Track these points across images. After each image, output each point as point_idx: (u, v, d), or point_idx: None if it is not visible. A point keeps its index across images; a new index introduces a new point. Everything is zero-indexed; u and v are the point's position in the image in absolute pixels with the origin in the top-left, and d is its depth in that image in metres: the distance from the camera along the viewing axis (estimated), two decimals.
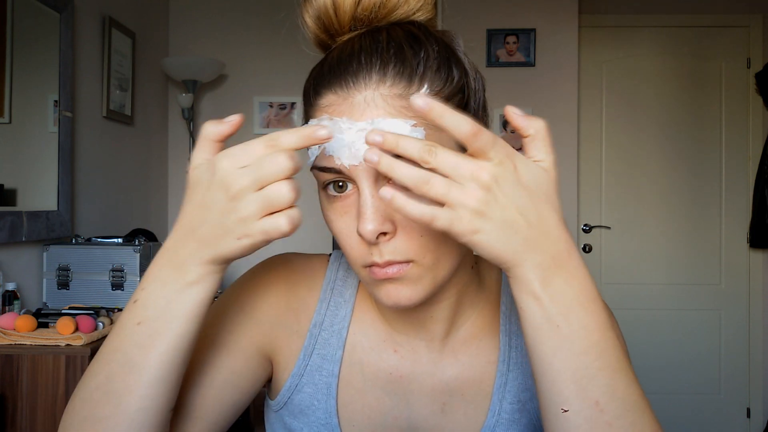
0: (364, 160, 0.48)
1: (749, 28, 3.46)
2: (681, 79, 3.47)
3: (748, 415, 3.44)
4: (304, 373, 0.69)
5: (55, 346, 1.61)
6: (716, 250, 3.47)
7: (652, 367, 3.44)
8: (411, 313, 0.67)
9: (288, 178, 0.49)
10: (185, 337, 0.54)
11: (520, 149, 0.54)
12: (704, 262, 3.47)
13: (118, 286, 2.09)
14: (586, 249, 3.47)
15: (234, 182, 0.49)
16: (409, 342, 0.69)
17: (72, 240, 2.19)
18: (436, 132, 0.54)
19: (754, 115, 3.45)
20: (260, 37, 3.23)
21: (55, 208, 2.16)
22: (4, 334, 1.64)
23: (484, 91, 0.64)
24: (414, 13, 0.60)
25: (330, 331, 0.70)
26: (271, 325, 0.70)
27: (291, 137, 0.50)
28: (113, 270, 2.10)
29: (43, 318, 1.74)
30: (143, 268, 2.15)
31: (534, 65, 3.23)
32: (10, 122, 1.98)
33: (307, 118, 0.61)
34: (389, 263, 0.56)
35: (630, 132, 3.47)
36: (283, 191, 0.48)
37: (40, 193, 2.12)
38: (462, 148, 0.55)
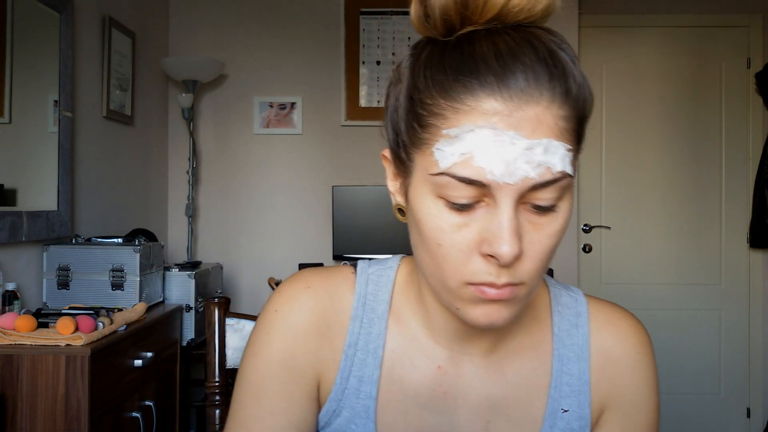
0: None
1: (749, 28, 3.46)
2: (681, 79, 3.47)
3: (748, 415, 3.44)
4: (342, 397, 0.66)
5: (55, 346, 1.61)
6: (716, 250, 3.47)
7: None
8: (464, 328, 0.65)
9: None
10: None
11: None
12: (704, 262, 3.47)
13: (118, 286, 2.09)
14: (586, 249, 3.47)
15: None
16: (453, 357, 0.66)
17: (72, 240, 2.19)
18: (575, 157, 0.55)
19: (754, 115, 3.45)
20: (260, 37, 3.23)
21: (55, 208, 2.16)
22: (4, 334, 1.64)
23: None
24: (545, 18, 0.58)
25: (365, 350, 0.67)
26: (312, 365, 0.67)
27: None
28: (113, 270, 2.10)
29: (43, 318, 1.74)
30: (143, 268, 2.15)
31: None
32: (10, 122, 1.98)
33: (435, 111, 0.53)
34: (507, 285, 0.54)
35: (630, 132, 3.47)
36: None
37: (40, 193, 2.12)
38: (575, 167, 0.56)
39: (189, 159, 3.13)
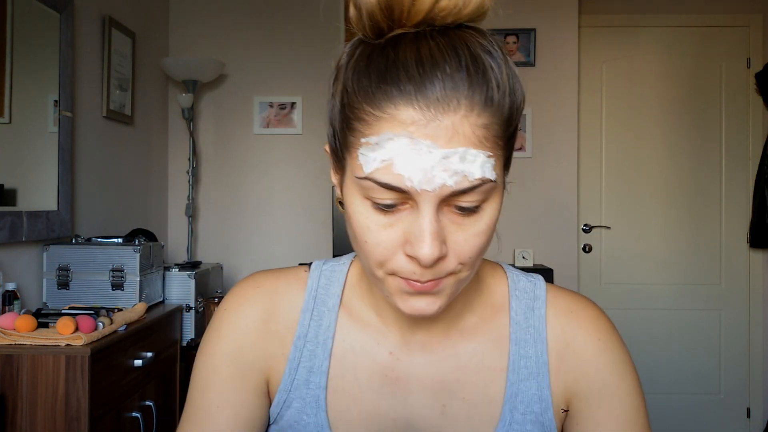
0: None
1: (749, 28, 3.46)
2: (681, 79, 3.47)
3: (748, 415, 3.44)
4: (291, 388, 0.68)
5: (55, 346, 1.61)
6: (716, 250, 3.47)
7: (652, 367, 3.44)
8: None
9: None
10: None
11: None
12: (704, 262, 3.47)
13: (118, 286, 2.09)
14: (586, 249, 3.47)
15: None
16: (405, 343, 0.68)
17: (72, 240, 2.19)
18: (498, 161, 0.56)
19: (754, 115, 3.45)
20: (260, 37, 3.23)
21: (55, 208, 2.16)
22: (4, 334, 1.64)
23: None
24: (478, 17, 0.57)
25: (315, 342, 0.69)
26: (261, 361, 0.69)
27: None
28: (113, 270, 2.10)
29: (43, 318, 1.74)
30: (143, 268, 2.15)
31: (534, 65, 3.23)
32: (10, 122, 1.98)
33: (360, 116, 0.55)
34: (431, 280, 0.56)
35: (630, 132, 3.47)
36: None
37: (40, 193, 2.12)
38: (507, 163, 0.59)
39: (189, 159, 3.13)
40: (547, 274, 3.00)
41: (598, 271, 3.48)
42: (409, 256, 0.55)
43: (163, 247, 2.39)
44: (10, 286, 1.85)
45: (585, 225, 3.47)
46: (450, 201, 0.54)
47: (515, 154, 3.20)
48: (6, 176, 1.96)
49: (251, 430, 0.68)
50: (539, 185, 3.23)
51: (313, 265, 0.74)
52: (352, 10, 0.57)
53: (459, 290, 0.60)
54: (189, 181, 3.12)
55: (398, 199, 0.54)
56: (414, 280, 0.56)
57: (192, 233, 3.12)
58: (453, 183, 0.52)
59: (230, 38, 3.24)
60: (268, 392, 0.70)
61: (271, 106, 3.23)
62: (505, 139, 0.56)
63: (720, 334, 3.47)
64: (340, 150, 0.59)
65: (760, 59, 3.43)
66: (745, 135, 3.46)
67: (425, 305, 0.58)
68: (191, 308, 2.50)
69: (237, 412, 0.67)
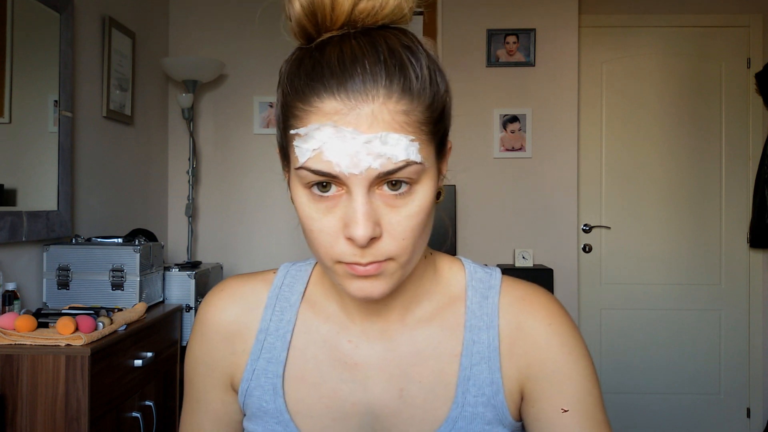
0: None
1: (749, 28, 3.46)
2: (681, 79, 3.47)
3: (748, 415, 3.44)
4: (252, 377, 0.74)
5: (55, 346, 1.61)
6: (716, 250, 3.47)
7: (652, 367, 3.44)
8: (369, 302, 0.71)
9: None
10: None
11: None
12: (704, 262, 3.47)
13: (118, 286, 2.09)
14: (586, 249, 3.47)
15: None
16: (364, 331, 0.72)
17: (72, 240, 2.19)
18: (425, 145, 0.60)
19: (754, 115, 3.45)
20: (260, 37, 3.23)
21: (55, 208, 2.16)
22: (4, 334, 1.64)
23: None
24: (400, 19, 0.63)
25: (276, 335, 0.74)
26: (225, 359, 0.76)
27: None
28: (113, 270, 2.10)
29: (43, 318, 1.74)
30: (143, 268, 2.15)
31: (534, 65, 3.23)
32: (10, 122, 1.98)
33: (294, 113, 0.61)
34: (371, 263, 0.60)
35: (630, 132, 3.47)
36: None
37: (40, 193, 2.12)
38: (438, 154, 0.63)
39: (189, 159, 3.13)
40: (547, 274, 3.00)
41: (598, 271, 3.48)
42: (348, 239, 0.59)
43: (163, 247, 2.39)
44: (10, 286, 1.85)
45: (585, 225, 3.47)
46: (380, 183, 0.59)
47: (515, 153, 3.21)
48: (6, 176, 1.96)
49: (229, 420, 0.78)
50: (539, 185, 3.23)
51: (281, 267, 0.80)
52: (285, 20, 0.63)
53: (404, 275, 0.63)
54: (189, 181, 3.12)
55: (333, 185, 0.59)
56: (355, 263, 0.60)
57: (192, 233, 3.12)
58: (378, 165, 0.57)
59: (230, 38, 3.24)
60: (234, 388, 0.76)
61: (271, 106, 3.22)
62: (430, 125, 0.60)
63: (720, 334, 3.47)
64: (285, 148, 0.64)
65: (760, 59, 3.43)
66: (745, 135, 3.46)
67: (369, 286, 0.61)
68: (191, 308, 2.50)
69: (208, 406, 0.78)
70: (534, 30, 3.22)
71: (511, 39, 3.23)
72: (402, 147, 0.57)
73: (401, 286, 0.71)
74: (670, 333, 3.46)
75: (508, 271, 2.85)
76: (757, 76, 3.39)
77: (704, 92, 3.47)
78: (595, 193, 3.48)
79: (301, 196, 0.62)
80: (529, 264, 3.13)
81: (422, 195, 0.61)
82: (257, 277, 0.79)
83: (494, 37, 3.24)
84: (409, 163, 0.58)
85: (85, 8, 2.40)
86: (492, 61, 3.24)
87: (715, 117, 3.47)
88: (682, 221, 3.47)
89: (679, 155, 3.47)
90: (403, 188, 0.59)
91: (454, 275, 0.75)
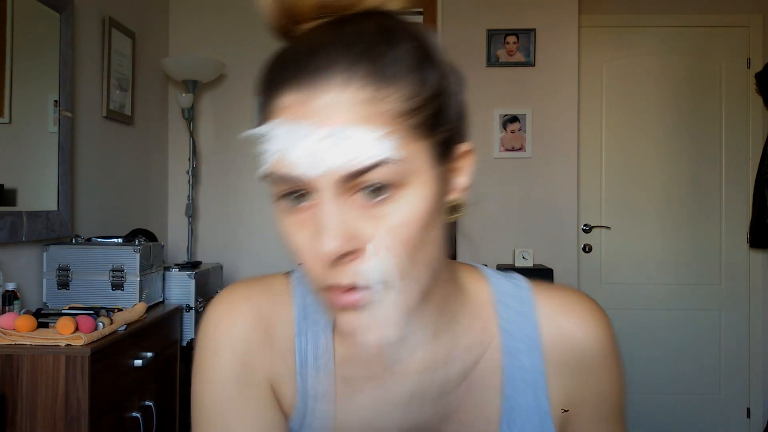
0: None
1: (749, 28, 3.46)
2: (681, 79, 3.47)
3: (748, 415, 3.44)
4: (304, 423, 0.63)
5: (55, 346, 1.61)
6: (716, 250, 3.47)
7: (652, 367, 3.44)
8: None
9: None
10: None
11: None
12: (704, 262, 3.47)
13: (118, 286, 2.09)
14: (586, 249, 3.47)
15: None
16: (400, 361, 0.64)
17: (72, 240, 2.19)
18: (412, 142, 0.50)
19: (754, 115, 3.45)
20: (260, 37, 3.21)
21: (55, 208, 2.16)
22: (4, 334, 1.64)
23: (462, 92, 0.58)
24: (387, 2, 0.54)
25: (316, 367, 0.63)
26: (266, 373, 0.64)
27: None
28: (113, 270, 2.10)
29: (43, 318, 1.74)
30: (143, 268, 2.15)
31: (534, 65, 3.23)
32: (10, 122, 1.98)
33: (263, 117, 0.53)
34: (353, 288, 0.49)
35: (630, 132, 3.47)
36: None
37: (40, 193, 2.12)
38: (439, 157, 0.52)
39: (189, 159, 3.13)
40: (547, 274, 3.00)
41: (598, 271, 3.48)
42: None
43: (163, 247, 2.39)
44: (10, 286, 1.85)
45: (585, 225, 3.47)
46: (353, 188, 0.49)
47: (515, 153, 3.21)
48: (6, 176, 1.96)
49: None
50: (539, 185, 3.23)
51: (294, 278, 0.67)
52: (267, 20, 0.56)
53: (411, 307, 0.52)
54: (189, 181, 3.12)
55: (301, 191, 0.50)
56: (336, 287, 0.50)
57: (192, 233, 3.12)
58: (342, 164, 0.47)
59: (230, 38, 3.24)
60: (280, 406, 0.65)
61: None
62: (419, 117, 0.50)
63: (720, 334, 3.47)
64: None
65: (760, 59, 3.43)
66: (745, 135, 3.46)
67: (357, 321, 0.51)
68: (191, 308, 2.50)
69: (259, 428, 0.62)
70: (534, 30, 3.22)
71: (511, 39, 3.23)
72: (372, 142, 0.47)
73: (423, 320, 0.59)
74: (670, 333, 3.46)
75: (508, 271, 2.84)
76: (757, 76, 3.39)
77: (704, 92, 3.47)
78: (595, 193, 3.48)
79: (278, 209, 0.53)
80: (529, 264, 3.13)
81: (411, 203, 0.50)
82: (272, 284, 0.66)
83: (494, 37, 3.24)
84: (382, 162, 0.48)
85: (85, 8, 2.40)
86: (492, 61, 3.24)
87: (715, 117, 3.47)
88: (682, 221, 3.47)
89: (679, 155, 3.47)
90: (384, 194, 0.49)
91: (477, 289, 0.65)
